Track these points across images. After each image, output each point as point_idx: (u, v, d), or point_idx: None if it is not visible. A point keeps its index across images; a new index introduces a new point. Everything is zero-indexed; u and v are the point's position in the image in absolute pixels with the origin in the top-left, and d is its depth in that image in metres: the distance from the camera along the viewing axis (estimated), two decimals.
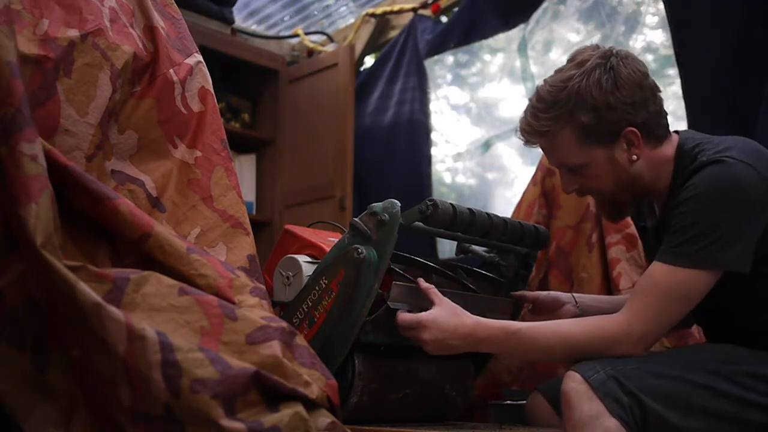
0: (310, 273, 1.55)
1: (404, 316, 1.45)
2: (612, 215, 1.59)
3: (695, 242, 1.33)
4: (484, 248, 1.83)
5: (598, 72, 1.41)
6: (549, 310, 1.70)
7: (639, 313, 1.35)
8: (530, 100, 1.50)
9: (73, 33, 1.30)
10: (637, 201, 1.54)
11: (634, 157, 1.44)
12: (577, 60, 1.45)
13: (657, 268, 1.36)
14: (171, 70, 1.45)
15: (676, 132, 1.52)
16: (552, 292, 1.73)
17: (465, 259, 1.97)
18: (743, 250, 1.33)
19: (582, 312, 1.68)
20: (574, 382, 1.30)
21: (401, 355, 1.61)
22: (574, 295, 1.73)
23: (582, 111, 1.41)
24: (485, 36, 3.20)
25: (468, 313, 1.44)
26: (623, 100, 1.40)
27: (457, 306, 1.45)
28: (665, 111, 1.48)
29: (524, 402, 1.78)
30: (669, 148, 1.47)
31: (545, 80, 1.48)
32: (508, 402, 1.93)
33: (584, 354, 1.36)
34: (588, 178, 1.48)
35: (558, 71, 1.47)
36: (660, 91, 1.47)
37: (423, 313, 1.44)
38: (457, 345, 1.42)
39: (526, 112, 1.49)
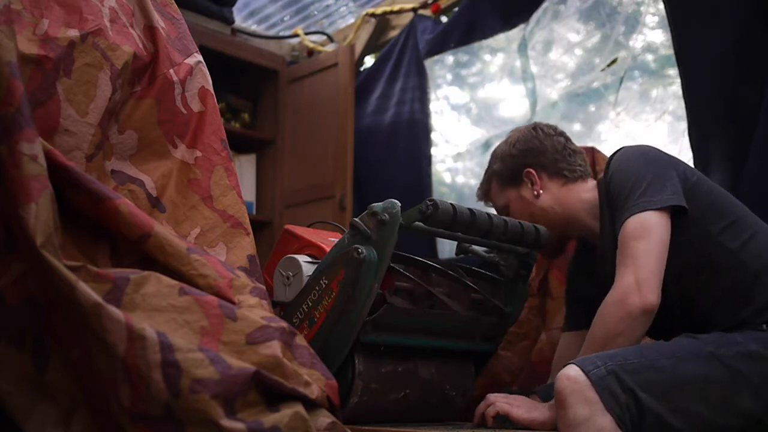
0: (310, 273, 1.55)
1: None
2: (546, 252, 1.82)
3: (631, 196, 1.50)
4: (484, 248, 1.83)
5: (510, 134, 1.86)
6: None
7: (623, 269, 1.45)
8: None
9: (73, 33, 1.29)
10: (564, 236, 1.78)
11: (536, 192, 1.76)
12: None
13: (621, 230, 1.49)
14: (171, 70, 1.45)
15: None
16: None
17: (465, 259, 1.97)
18: (674, 190, 1.49)
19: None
20: (570, 381, 1.31)
21: (401, 355, 1.61)
22: None
23: (495, 162, 1.84)
24: (485, 36, 3.19)
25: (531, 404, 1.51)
26: (519, 148, 1.79)
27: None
28: (581, 160, 1.78)
29: None
30: (591, 192, 1.72)
31: None
32: None
33: (608, 330, 1.42)
34: (512, 215, 1.76)
35: None
36: (573, 150, 1.78)
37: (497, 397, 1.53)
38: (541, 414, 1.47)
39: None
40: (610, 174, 1.60)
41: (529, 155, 1.78)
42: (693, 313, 1.53)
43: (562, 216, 1.74)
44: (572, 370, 1.32)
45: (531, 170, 1.76)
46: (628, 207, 1.50)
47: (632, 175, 1.53)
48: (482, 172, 1.93)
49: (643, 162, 1.55)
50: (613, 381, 1.30)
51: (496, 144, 3.16)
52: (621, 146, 1.65)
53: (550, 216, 1.74)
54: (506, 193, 1.81)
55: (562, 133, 1.81)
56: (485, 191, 1.88)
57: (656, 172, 1.52)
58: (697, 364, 1.36)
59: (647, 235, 1.45)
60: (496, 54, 3.33)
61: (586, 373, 1.30)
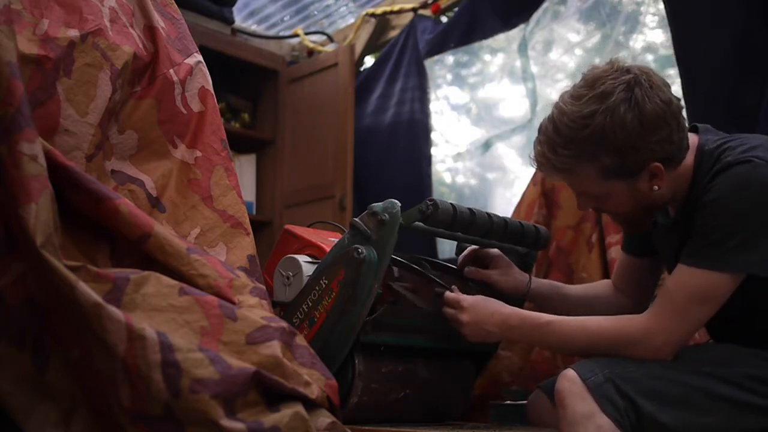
0: (310, 273, 1.55)
1: (449, 294, 1.55)
2: (628, 228, 1.64)
3: (719, 245, 1.31)
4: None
5: (623, 109, 1.33)
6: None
7: (661, 318, 1.36)
8: (545, 128, 1.43)
9: (73, 33, 1.30)
10: (654, 214, 1.53)
11: (656, 187, 1.40)
12: (597, 89, 1.36)
13: (680, 271, 1.36)
14: (171, 70, 1.45)
15: (695, 129, 1.47)
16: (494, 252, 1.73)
17: None
18: (765, 255, 1.31)
19: (532, 296, 1.73)
20: (569, 381, 1.32)
21: (401, 355, 1.61)
22: (533, 279, 1.74)
23: (605, 152, 1.36)
24: (485, 36, 3.20)
25: (504, 304, 1.52)
26: (648, 139, 1.34)
27: (494, 299, 1.54)
28: (686, 128, 1.42)
29: (524, 402, 1.78)
30: (689, 157, 1.42)
31: (562, 109, 1.40)
32: (508, 402, 1.93)
33: (605, 350, 1.38)
34: (607, 204, 1.47)
35: (576, 98, 1.39)
36: (683, 108, 1.41)
37: (465, 296, 1.54)
38: (492, 331, 1.50)
39: (542, 142, 1.43)
40: (715, 194, 1.33)
41: (662, 146, 1.36)
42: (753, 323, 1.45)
43: (668, 199, 1.46)
44: (571, 374, 1.33)
45: (659, 165, 1.38)
46: (709, 254, 1.32)
47: (732, 218, 1.31)
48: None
49: (750, 205, 1.30)
50: (611, 388, 1.30)
51: (496, 144, 3.20)
52: (747, 155, 1.34)
53: (657, 205, 1.47)
54: (610, 185, 1.41)
55: (669, 97, 1.39)
56: (565, 172, 1.43)
57: (759, 222, 1.30)
58: (698, 378, 1.33)
59: (709, 302, 1.34)
60: (496, 54, 3.33)
61: (584, 380, 1.31)
